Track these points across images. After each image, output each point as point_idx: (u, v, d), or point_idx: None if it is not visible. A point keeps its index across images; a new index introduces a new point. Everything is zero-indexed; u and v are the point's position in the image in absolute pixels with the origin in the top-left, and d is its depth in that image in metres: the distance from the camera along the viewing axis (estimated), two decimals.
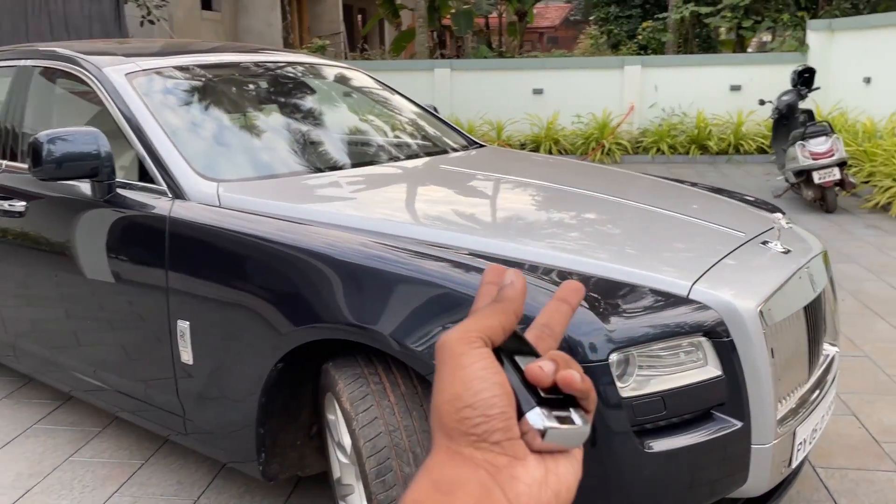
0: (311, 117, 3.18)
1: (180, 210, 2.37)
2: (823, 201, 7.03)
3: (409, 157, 3.06)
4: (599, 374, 1.69)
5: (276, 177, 2.64)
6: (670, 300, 1.86)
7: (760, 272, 2.05)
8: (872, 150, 7.79)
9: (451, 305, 1.82)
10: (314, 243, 2.09)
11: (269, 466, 2.34)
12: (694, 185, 2.94)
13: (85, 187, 2.62)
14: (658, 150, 10.25)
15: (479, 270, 1.86)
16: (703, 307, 1.85)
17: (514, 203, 2.54)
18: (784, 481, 2.19)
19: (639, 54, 12.96)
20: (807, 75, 7.69)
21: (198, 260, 2.31)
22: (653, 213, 2.40)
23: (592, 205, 2.50)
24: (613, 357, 1.72)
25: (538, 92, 10.77)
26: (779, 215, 2.28)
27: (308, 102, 3.29)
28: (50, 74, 3.15)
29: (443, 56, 14.08)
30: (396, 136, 3.34)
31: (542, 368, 0.48)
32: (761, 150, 10.10)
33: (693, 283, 1.89)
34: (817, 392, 2.19)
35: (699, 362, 1.84)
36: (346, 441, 2.11)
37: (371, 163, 2.92)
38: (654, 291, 1.87)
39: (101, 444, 3.11)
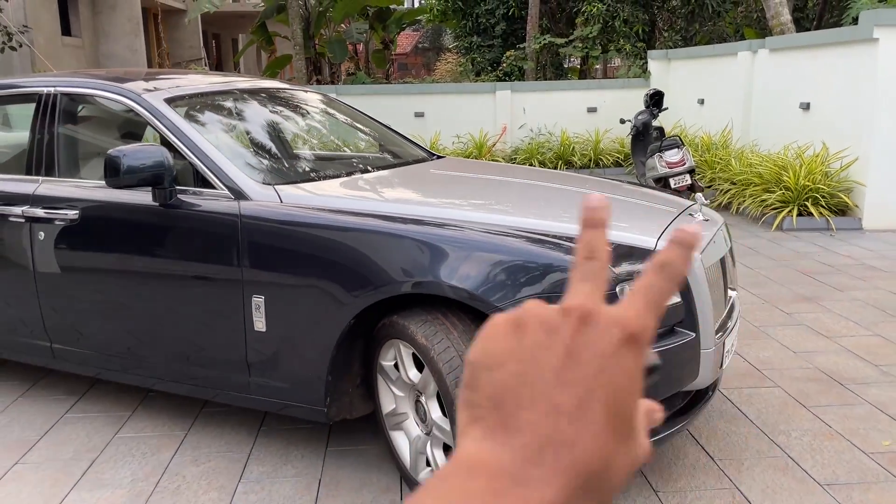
0: (321, 133, 3.79)
1: (249, 207, 2.93)
2: None
3: (406, 164, 3.74)
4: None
5: (317, 180, 3.24)
6: (644, 251, 2.68)
7: None
8: (712, 160, 9.25)
9: (464, 257, 2.55)
10: (368, 225, 2.74)
11: (330, 409, 2.94)
12: (620, 181, 3.83)
13: (144, 195, 3.10)
14: (530, 165, 11.38)
15: (472, 233, 2.59)
16: None
17: (507, 193, 3.30)
18: (710, 387, 3.08)
19: (502, 80, 14.18)
20: (657, 97, 9.02)
21: (270, 245, 2.88)
22: (610, 199, 3.25)
23: (563, 194, 3.31)
24: (617, 289, 2.51)
25: (420, 115, 11.63)
26: (699, 195, 3.19)
27: (314, 121, 3.89)
28: (79, 100, 3.56)
29: (318, 82, 14.65)
30: (393, 149, 4.02)
31: None
32: (617, 164, 11.50)
33: (657, 240, 2.73)
34: (731, 319, 3.10)
35: None
36: (411, 374, 2.76)
37: (381, 168, 3.59)
38: (633, 246, 2.69)
39: (137, 423, 3.53)
